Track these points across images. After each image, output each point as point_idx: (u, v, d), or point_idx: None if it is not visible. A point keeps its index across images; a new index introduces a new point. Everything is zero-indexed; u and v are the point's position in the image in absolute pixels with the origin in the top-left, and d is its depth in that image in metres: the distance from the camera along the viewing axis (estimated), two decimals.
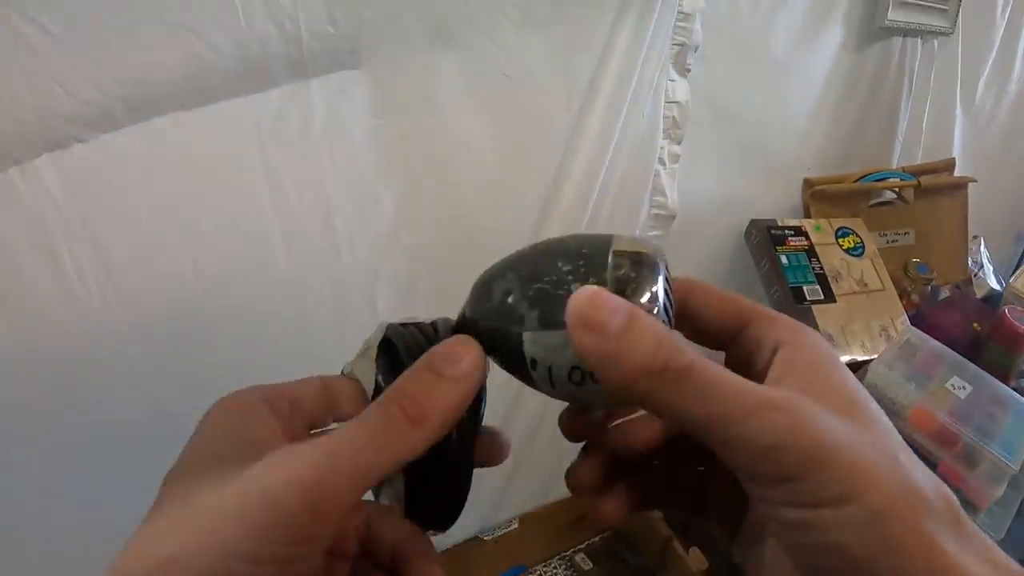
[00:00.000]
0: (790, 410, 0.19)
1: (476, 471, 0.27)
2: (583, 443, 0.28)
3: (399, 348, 0.25)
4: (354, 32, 0.61)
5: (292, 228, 0.65)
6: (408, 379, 0.22)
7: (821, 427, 0.19)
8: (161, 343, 0.62)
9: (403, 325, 0.27)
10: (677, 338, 0.21)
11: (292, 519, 0.18)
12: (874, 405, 0.22)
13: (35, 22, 0.49)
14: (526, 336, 0.23)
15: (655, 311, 0.22)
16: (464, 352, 0.23)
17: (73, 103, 0.52)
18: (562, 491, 1.04)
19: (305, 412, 0.25)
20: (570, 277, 0.22)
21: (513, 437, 0.93)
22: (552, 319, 0.22)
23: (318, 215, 0.66)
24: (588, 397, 0.23)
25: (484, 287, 0.25)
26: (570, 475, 0.27)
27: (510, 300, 0.23)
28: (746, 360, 0.24)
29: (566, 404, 0.27)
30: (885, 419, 0.21)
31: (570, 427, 0.27)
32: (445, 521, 0.26)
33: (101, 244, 0.56)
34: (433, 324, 0.27)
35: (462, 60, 0.68)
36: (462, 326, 0.26)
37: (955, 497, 0.20)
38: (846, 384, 0.22)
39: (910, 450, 0.21)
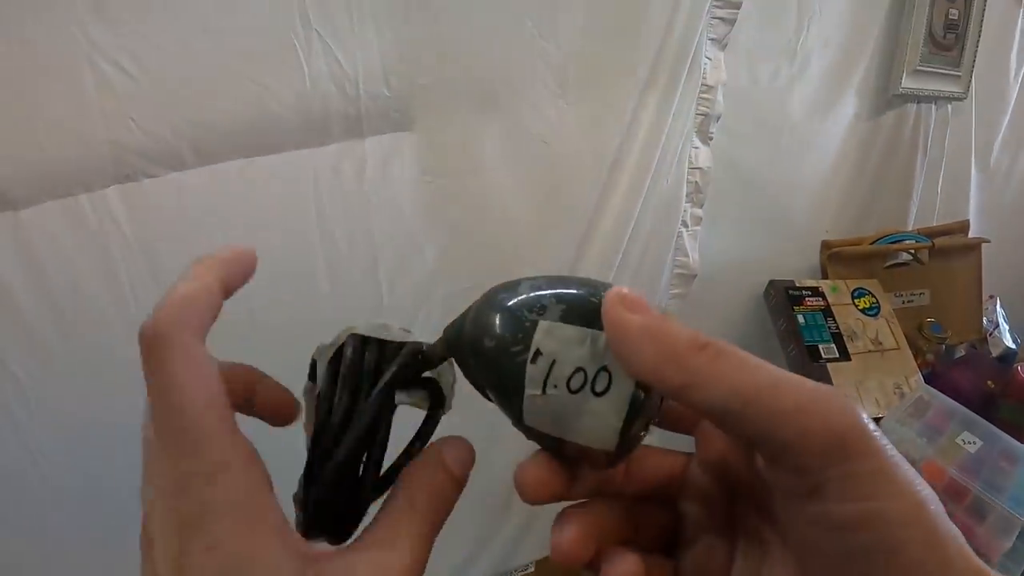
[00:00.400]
0: (834, 391, 0.19)
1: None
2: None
3: (340, 380, 0.26)
4: (407, 96, 0.67)
5: (338, 272, 0.70)
6: (431, 483, 0.24)
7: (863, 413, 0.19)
8: None
9: (365, 343, 0.26)
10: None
11: None
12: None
13: (115, 63, 0.54)
14: (542, 324, 0.22)
15: None
16: (469, 456, 0.25)
17: (146, 140, 0.57)
18: None
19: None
20: (601, 292, 0.22)
21: None
22: (576, 317, 0.22)
23: (363, 262, 0.71)
24: (573, 416, 0.22)
25: (509, 285, 0.24)
26: (559, 546, 0.23)
27: (536, 294, 0.23)
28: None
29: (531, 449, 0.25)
30: None
31: (537, 479, 0.23)
32: (341, 534, 0.25)
33: (160, 272, 0.61)
34: (401, 346, 0.26)
35: (504, 126, 0.74)
36: (452, 339, 0.26)
37: None
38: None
39: None
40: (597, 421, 0.22)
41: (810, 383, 0.19)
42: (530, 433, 0.23)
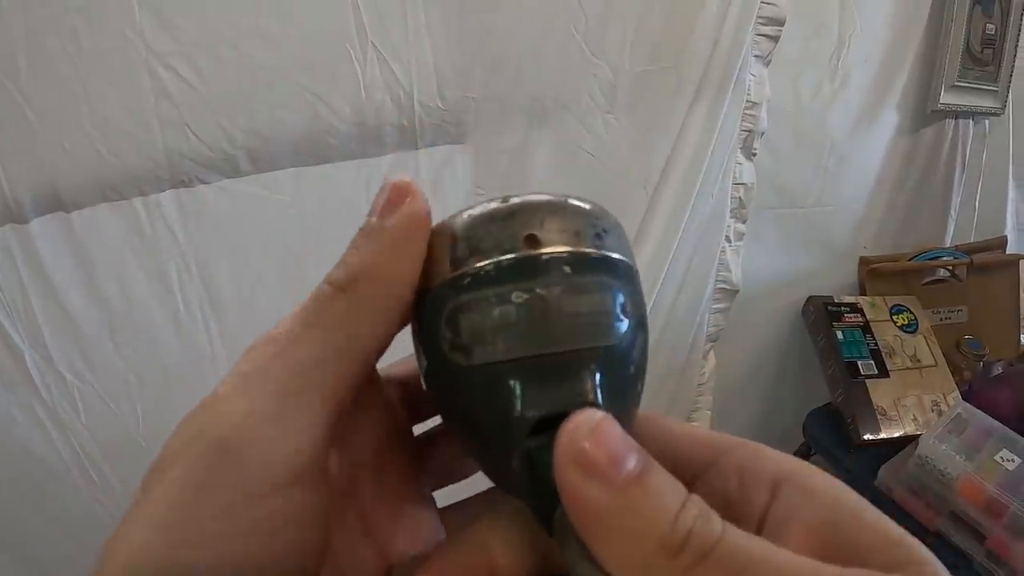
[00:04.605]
0: None
1: None
2: None
3: None
4: (461, 109, 0.68)
5: None
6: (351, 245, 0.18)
7: None
8: None
9: None
10: (699, 499, 0.14)
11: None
12: (914, 541, 0.16)
13: (173, 70, 0.55)
14: None
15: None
16: (390, 199, 0.17)
17: (201, 147, 0.58)
18: None
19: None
20: None
21: None
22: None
23: None
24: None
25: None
26: None
27: None
28: (731, 497, 0.18)
29: None
30: (929, 555, 0.16)
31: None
32: None
33: (211, 279, 0.62)
34: None
35: (554, 139, 0.75)
36: None
37: None
38: (880, 521, 0.17)
39: None
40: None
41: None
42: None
